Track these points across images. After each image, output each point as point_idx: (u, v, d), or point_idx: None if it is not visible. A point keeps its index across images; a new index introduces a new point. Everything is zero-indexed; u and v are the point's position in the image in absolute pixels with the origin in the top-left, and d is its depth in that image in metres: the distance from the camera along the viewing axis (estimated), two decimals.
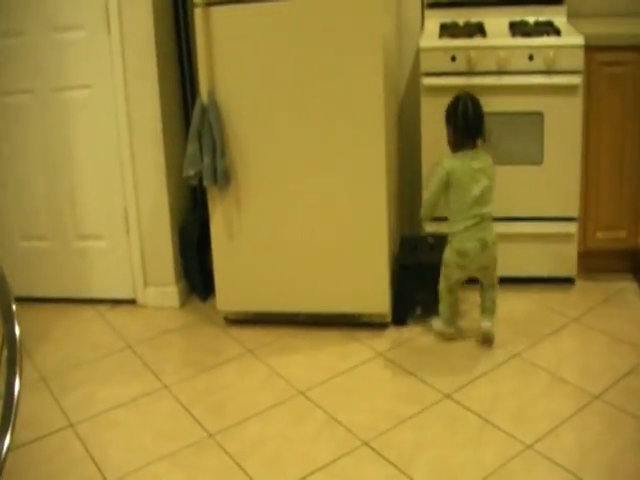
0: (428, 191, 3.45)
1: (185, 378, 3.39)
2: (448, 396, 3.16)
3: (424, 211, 3.51)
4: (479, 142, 3.41)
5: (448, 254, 3.44)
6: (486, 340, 3.48)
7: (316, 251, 3.59)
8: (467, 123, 3.37)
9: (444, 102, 3.74)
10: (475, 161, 3.36)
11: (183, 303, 4.05)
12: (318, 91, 3.41)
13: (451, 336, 3.56)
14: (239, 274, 3.68)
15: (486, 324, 3.49)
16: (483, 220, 3.37)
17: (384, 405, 3.13)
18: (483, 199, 3.35)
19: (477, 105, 3.39)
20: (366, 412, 3.09)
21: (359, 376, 3.33)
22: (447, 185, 3.36)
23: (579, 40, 3.71)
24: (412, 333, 3.65)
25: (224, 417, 3.11)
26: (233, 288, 3.71)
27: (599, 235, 4.02)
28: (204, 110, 3.48)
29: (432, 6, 4.20)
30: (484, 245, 3.38)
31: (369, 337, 3.62)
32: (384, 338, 3.62)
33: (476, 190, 3.33)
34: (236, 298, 3.73)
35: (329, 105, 3.42)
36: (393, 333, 3.66)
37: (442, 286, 3.53)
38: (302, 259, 3.61)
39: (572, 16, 4.16)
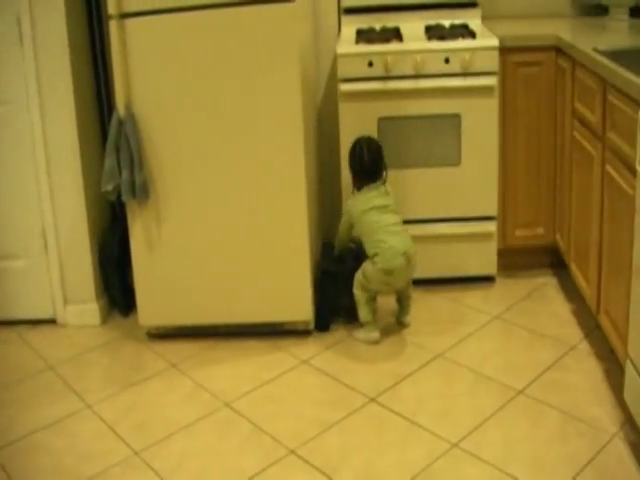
0: (339, 230, 3.83)
1: (109, 396, 3.37)
2: (373, 400, 3.22)
3: (337, 245, 3.89)
4: (380, 181, 3.69)
5: (371, 271, 3.56)
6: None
7: (237, 262, 3.61)
8: (363, 167, 3.67)
9: (362, 108, 3.87)
10: (377, 198, 3.63)
11: (104, 320, 4.03)
12: (236, 101, 3.44)
13: (377, 340, 3.63)
14: (160, 288, 3.68)
15: (407, 319, 3.78)
16: (400, 233, 3.61)
17: (310, 412, 3.17)
18: (394, 228, 3.59)
19: (374, 149, 3.68)
20: (292, 420, 3.13)
21: (284, 385, 3.37)
22: (352, 224, 3.71)
23: (494, 42, 3.83)
24: (335, 339, 3.70)
25: (149, 434, 3.11)
26: (154, 302, 3.71)
27: (518, 233, 4.16)
28: (121, 123, 3.47)
29: (348, 12, 4.26)
30: (408, 259, 3.56)
31: (293, 345, 3.66)
32: (308, 345, 3.67)
33: (383, 221, 3.59)
34: (158, 312, 3.73)
35: (248, 115, 3.45)
36: (317, 340, 3.70)
37: (362, 297, 3.65)
38: (223, 270, 3.63)
39: (487, 18, 4.28)
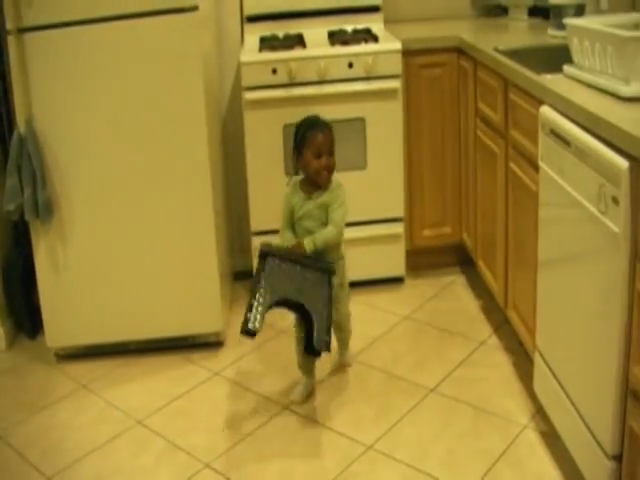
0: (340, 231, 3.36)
1: (18, 422, 3.36)
2: (287, 407, 3.31)
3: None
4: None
5: None
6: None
7: (145, 277, 3.65)
8: None
9: (267, 115, 3.94)
10: None
11: (10, 344, 4.00)
12: (140, 113, 3.47)
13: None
14: (67, 308, 3.69)
15: (347, 359, 3.60)
16: None
17: (222, 424, 3.24)
18: None
19: None
20: (206, 433, 3.18)
21: (197, 398, 3.42)
22: None
23: (396, 45, 3.96)
24: (247, 349, 3.76)
25: (61, 457, 3.12)
26: (62, 323, 3.71)
27: (425, 233, 4.30)
28: (22, 140, 3.46)
29: (251, 20, 4.33)
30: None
31: (204, 358, 3.72)
32: (220, 357, 3.73)
33: None
34: (66, 332, 3.73)
35: (152, 127, 3.49)
36: (228, 351, 3.77)
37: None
38: (131, 287, 3.66)
39: (389, 22, 4.41)
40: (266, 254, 3.17)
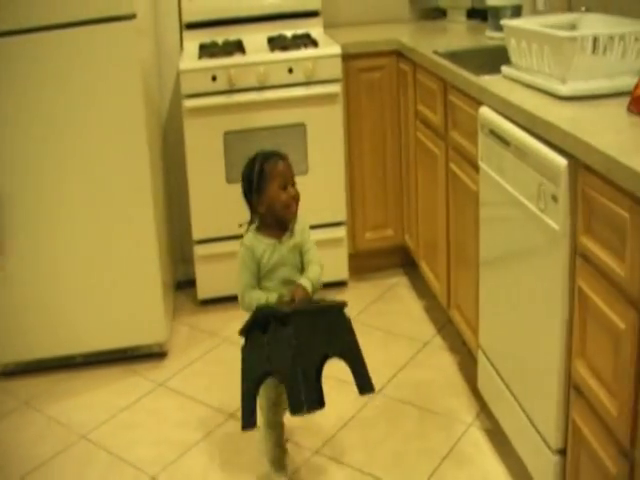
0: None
1: None
2: (232, 415, 3.31)
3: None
4: None
5: None
6: None
7: (86, 290, 3.62)
8: None
9: (208, 123, 3.95)
10: None
11: None
12: (78, 125, 3.45)
13: None
14: (7, 323, 3.64)
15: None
16: None
17: (169, 435, 3.23)
18: None
19: None
20: (152, 445, 3.17)
21: (142, 410, 3.41)
22: None
23: (336, 50, 3.99)
24: (191, 358, 3.76)
25: (5, 475, 3.08)
26: (2, 339, 3.67)
27: (368, 236, 4.34)
28: None
29: (190, 27, 4.33)
30: None
31: (148, 369, 3.71)
32: (164, 367, 3.72)
33: None
34: (6, 349, 3.69)
35: (91, 137, 3.47)
36: (172, 361, 3.76)
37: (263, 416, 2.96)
38: (72, 300, 3.63)
39: (329, 27, 4.45)
40: (266, 317, 2.67)
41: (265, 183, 2.82)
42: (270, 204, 2.81)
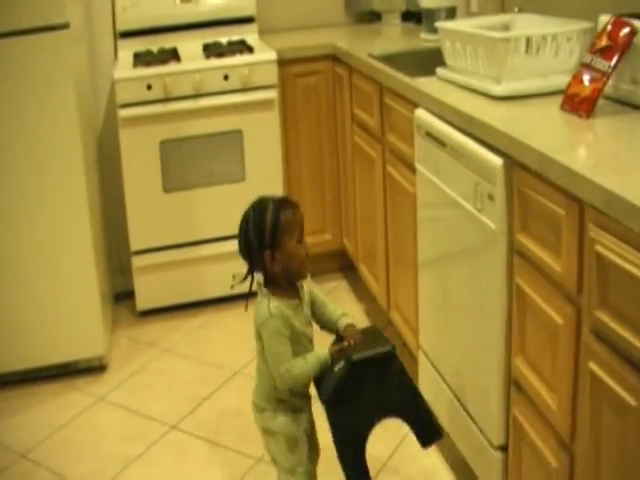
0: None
1: None
2: (174, 427, 3.30)
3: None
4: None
5: None
6: None
7: (22, 304, 3.57)
8: None
9: (143, 132, 3.94)
10: None
11: None
12: (11, 135, 3.40)
13: None
14: None
15: None
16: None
17: (111, 449, 3.20)
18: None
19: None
20: (93, 460, 3.15)
21: (82, 425, 3.38)
22: None
23: (271, 55, 4.01)
24: (131, 371, 3.73)
25: None
26: None
27: (307, 241, 4.28)
28: None
29: (124, 36, 4.31)
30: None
31: (89, 383, 3.67)
32: (104, 381, 3.69)
33: None
34: None
35: (25, 149, 3.42)
36: (112, 375, 3.73)
37: None
38: (8, 314, 3.57)
39: (264, 32, 4.46)
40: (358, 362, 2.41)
41: (282, 237, 2.43)
42: (288, 261, 2.45)
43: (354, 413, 2.45)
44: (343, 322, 2.57)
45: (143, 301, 4.17)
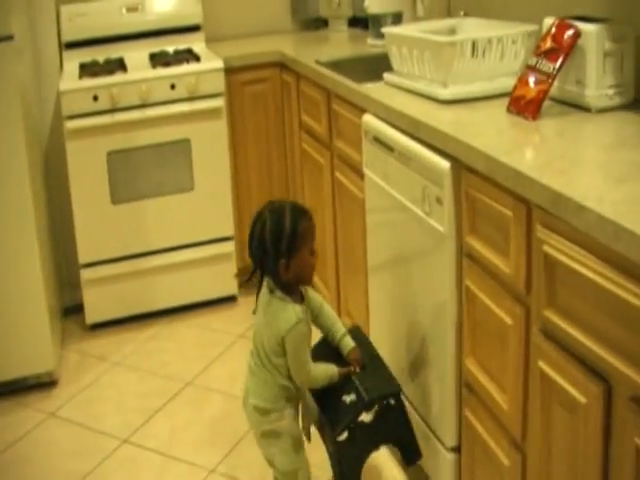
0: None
1: None
2: (126, 441, 3.27)
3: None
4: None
5: None
6: None
7: None
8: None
9: (91, 143, 3.91)
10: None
11: None
12: None
13: None
14: None
15: None
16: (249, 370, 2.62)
17: (63, 465, 3.16)
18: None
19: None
20: (45, 478, 3.10)
21: (34, 442, 3.33)
22: None
23: (218, 64, 4.00)
24: (82, 385, 3.69)
25: None
26: None
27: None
28: None
29: (70, 46, 4.28)
30: (245, 396, 2.64)
31: (39, 399, 3.62)
32: (54, 397, 3.63)
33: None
34: None
35: None
36: (63, 390, 3.67)
37: None
38: None
39: (211, 41, 4.46)
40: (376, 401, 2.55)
41: (298, 246, 2.44)
42: (300, 269, 2.47)
43: (360, 442, 2.56)
44: (346, 345, 2.62)
45: (93, 314, 4.12)
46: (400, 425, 2.62)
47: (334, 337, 2.66)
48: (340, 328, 2.67)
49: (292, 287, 2.51)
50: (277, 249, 2.42)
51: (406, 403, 2.75)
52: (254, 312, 2.55)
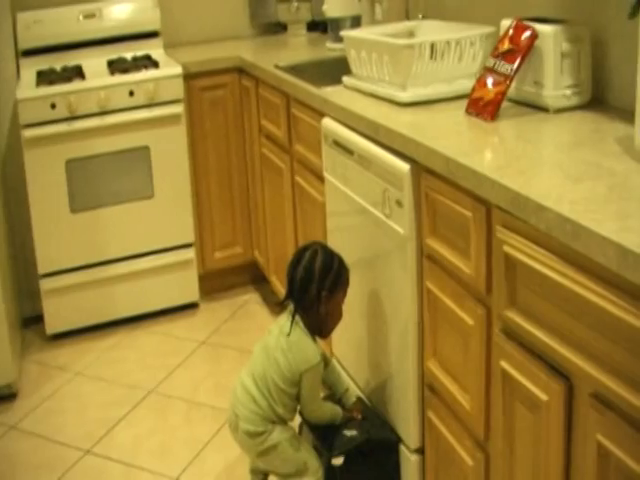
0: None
1: None
2: (89, 451, 3.25)
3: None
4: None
5: None
6: None
7: None
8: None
9: (49, 152, 3.88)
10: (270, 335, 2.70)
11: None
12: None
13: None
14: None
15: None
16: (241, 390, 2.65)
17: (26, 479, 3.14)
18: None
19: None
20: None
21: None
22: None
23: (177, 70, 3.99)
24: (43, 396, 3.66)
25: None
26: None
27: (217, 255, 4.35)
28: None
29: (27, 54, 4.25)
30: (234, 422, 2.65)
31: None
32: (14, 409, 3.60)
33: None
34: None
35: None
36: (23, 402, 3.64)
37: None
38: None
39: (169, 47, 4.47)
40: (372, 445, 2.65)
41: (340, 286, 2.62)
42: (333, 310, 2.62)
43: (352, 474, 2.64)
44: (349, 397, 2.79)
45: (53, 324, 4.09)
46: (394, 472, 2.67)
47: (338, 390, 2.80)
48: (345, 382, 2.85)
49: (313, 328, 2.62)
50: (323, 280, 2.57)
51: (369, 403, 2.77)
52: (289, 335, 2.58)
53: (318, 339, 2.65)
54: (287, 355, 2.53)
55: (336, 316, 2.65)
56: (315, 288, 2.56)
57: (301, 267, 2.59)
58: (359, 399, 2.80)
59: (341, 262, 2.62)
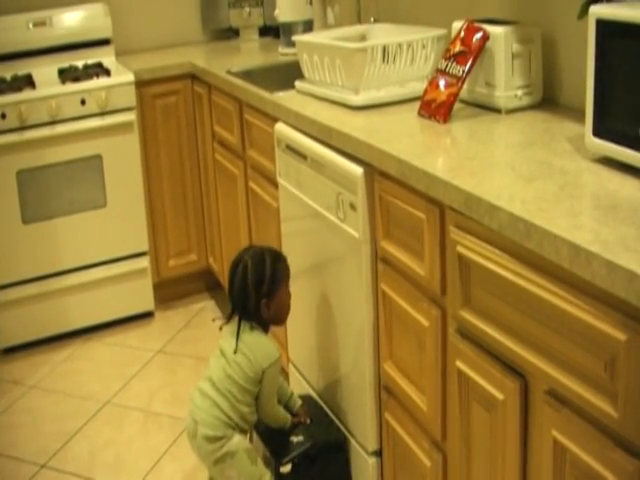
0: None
1: None
2: (44, 466, 3.21)
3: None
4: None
5: None
6: None
7: None
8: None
9: (5, 164, 3.86)
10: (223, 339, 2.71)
11: None
12: None
13: None
14: None
15: None
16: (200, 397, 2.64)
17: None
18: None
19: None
20: None
21: None
22: None
23: (129, 77, 3.98)
24: None
25: None
26: None
27: (171, 263, 4.33)
28: None
29: None
30: (193, 428, 2.62)
31: None
32: None
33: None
34: None
35: None
36: None
37: None
38: None
39: (121, 54, 4.44)
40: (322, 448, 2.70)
41: (278, 286, 2.64)
42: (278, 309, 2.66)
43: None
44: (295, 402, 2.81)
45: (5, 338, 4.04)
46: (343, 474, 2.72)
47: (283, 396, 2.80)
48: (288, 387, 2.88)
49: (267, 327, 2.68)
50: (258, 292, 2.60)
51: (326, 407, 2.78)
52: (235, 352, 2.58)
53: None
54: (248, 355, 2.55)
55: (285, 308, 2.69)
56: (254, 299, 2.60)
57: (235, 286, 2.64)
58: (304, 402, 2.82)
59: (274, 261, 2.64)
